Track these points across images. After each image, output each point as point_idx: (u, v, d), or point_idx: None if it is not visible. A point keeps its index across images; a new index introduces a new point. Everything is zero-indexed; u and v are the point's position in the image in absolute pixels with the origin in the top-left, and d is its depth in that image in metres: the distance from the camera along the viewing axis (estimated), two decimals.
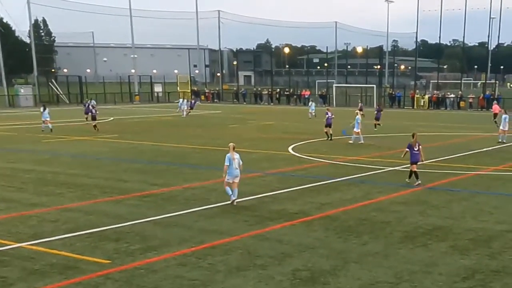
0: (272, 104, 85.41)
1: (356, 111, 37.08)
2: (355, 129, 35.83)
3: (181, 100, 65.32)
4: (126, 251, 13.96)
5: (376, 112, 48.04)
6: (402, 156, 23.55)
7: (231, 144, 19.35)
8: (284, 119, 55.48)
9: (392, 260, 13.48)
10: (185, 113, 59.97)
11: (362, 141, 35.49)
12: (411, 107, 76.41)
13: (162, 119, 56.78)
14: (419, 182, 22.51)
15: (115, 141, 36.73)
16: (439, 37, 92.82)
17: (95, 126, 43.28)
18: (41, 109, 44.64)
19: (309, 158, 29.24)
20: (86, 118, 51.46)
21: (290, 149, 32.79)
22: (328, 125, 37.58)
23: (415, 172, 22.68)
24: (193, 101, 70.34)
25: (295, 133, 41.68)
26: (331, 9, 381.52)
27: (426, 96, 76.39)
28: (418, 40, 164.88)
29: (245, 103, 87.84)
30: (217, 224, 16.58)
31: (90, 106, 48.36)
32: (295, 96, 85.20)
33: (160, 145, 34.41)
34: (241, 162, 19.24)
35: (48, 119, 43.38)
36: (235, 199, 19.01)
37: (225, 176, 18.86)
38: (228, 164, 18.79)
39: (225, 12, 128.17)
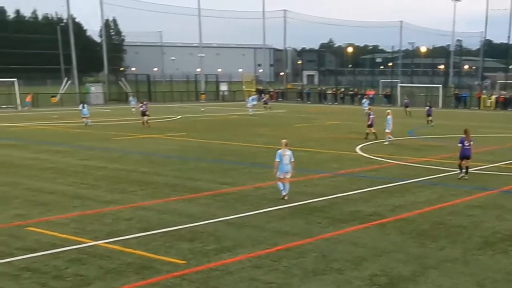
0: (336, 103, 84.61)
1: (388, 111, 35.90)
2: (386, 130, 34.86)
3: (250, 98, 65.02)
4: (201, 252, 13.73)
5: (427, 109, 48.96)
6: (459, 153, 23.55)
7: (283, 141, 19.59)
8: (349, 119, 54.73)
9: (473, 267, 12.88)
10: (251, 110, 59.81)
11: (387, 142, 34.53)
12: (477, 108, 74.54)
13: (228, 117, 56.72)
14: (464, 176, 23.30)
15: (183, 139, 36.75)
16: (508, 36, 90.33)
17: (144, 122, 44.47)
18: (80, 106, 46.11)
19: (378, 159, 28.62)
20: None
21: (357, 149, 32.21)
22: (371, 125, 37.05)
23: (466, 167, 23.41)
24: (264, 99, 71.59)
25: (362, 133, 40.88)
26: (395, 8, 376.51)
27: (493, 97, 74.40)
28: (481, 39, 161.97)
29: (309, 102, 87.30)
30: (289, 225, 16.23)
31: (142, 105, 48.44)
32: (359, 96, 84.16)
33: (227, 143, 34.26)
34: (292, 159, 19.34)
35: (87, 115, 45.67)
36: (286, 194, 19.29)
37: (276, 171, 19.16)
38: (278, 160, 19.07)
39: (290, 12, 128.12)
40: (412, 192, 20.92)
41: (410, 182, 22.76)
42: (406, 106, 46.56)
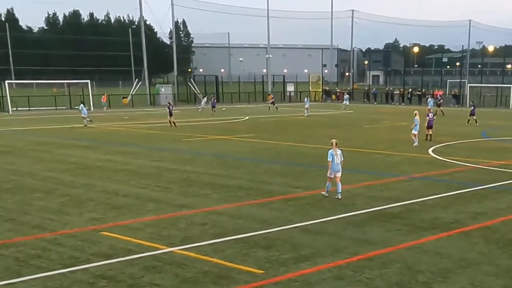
0: (403, 104, 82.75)
1: (415, 111, 34.31)
2: (413, 131, 33.28)
3: (306, 99, 64.07)
4: (278, 260, 13.06)
5: (472, 108, 48.79)
6: None
7: (333, 141, 19.86)
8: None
9: None
10: (306, 112, 58.90)
11: (416, 144, 32.95)
12: None
13: (296, 118, 55.97)
14: None
15: (252, 141, 36.21)
16: None
17: (171, 122, 44.92)
18: (80, 106, 47.28)
19: (453, 162, 27.43)
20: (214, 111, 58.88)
21: (430, 151, 31.04)
22: (429, 127, 35.70)
23: None
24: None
25: (432, 134, 39.64)
26: (463, 9, 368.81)
27: None
28: None
29: (375, 103, 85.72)
30: (367, 232, 15.41)
31: (168, 103, 48.41)
32: (427, 96, 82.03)
33: (297, 145, 33.55)
34: (342, 158, 19.62)
35: (86, 115, 46.32)
36: (339, 192, 19.35)
37: (329, 171, 19.24)
38: (330, 159, 19.24)
39: (357, 11, 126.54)
40: (492, 198, 19.78)
41: (488, 187, 21.58)
42: (473, 114, 44.86)
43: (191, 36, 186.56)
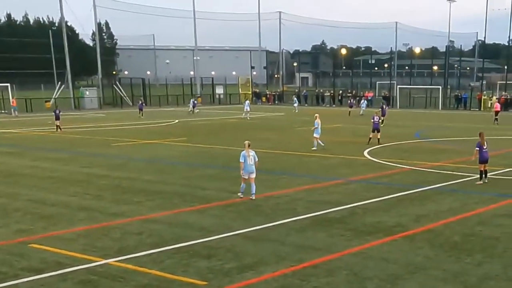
0: (334, 106, 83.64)
1: (316, 114, 34.58)
2: (314, 134, 33.45)
3: (246, 101, 64.07)
4: (221, 270, 12.68)
5: (380, 109, 48.71)
6: (473, 158, 23.12)
7: (246, 142, 20.03)
8: (350, 122, 53.90)
9: None
10: (247, 115, 58.67)
11: (315, 148, 32.98)
12: (477, 109, 73.62)
13: (227, 121, 55.65)
14: (485, 181, 22.66)
15: (184, 145, 35.67)
16: (509, 37, 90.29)
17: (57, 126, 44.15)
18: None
19: (389, 164, 27.62)
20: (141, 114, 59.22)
21: (366, 153, 31.22)
22: (375, 129, 35.74)
23: (485, 171, 22.75)
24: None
25: (366, 136, 39.92)
26: (388, 10, 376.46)
27: (494, 98, 73.45)
28: (476, 40, 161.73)
29: (306, 105, 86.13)
30: (311, 238, 15.19)
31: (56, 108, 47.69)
32: (358, 98, 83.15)
33: (230, 149, 33.15)
34: (256, 159, 19.94)
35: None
36: (253, 193, 19.72)
37: (242, 172, 19.59)
38: (242, 161, 19.55)
39: (285, 13, 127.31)
40: (432, 200, 19.91)
41: (428, 189, 21.74)
42: (383, 114, 47.52)
43: (115, 37, 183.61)
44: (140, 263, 13.11)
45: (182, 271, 12.64)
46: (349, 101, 71.06)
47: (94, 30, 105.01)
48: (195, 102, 72.62)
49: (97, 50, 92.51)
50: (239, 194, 20.01)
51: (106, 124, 50.94)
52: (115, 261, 13.28)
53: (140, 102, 63.88)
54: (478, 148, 22.77)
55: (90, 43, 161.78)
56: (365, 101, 68.31)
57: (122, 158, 29.94)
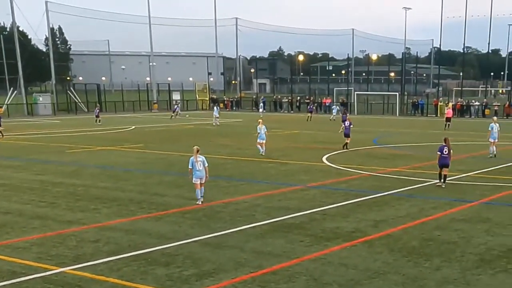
0: (292, 112, 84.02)
1: (259, 120, 35.11)
2: (258, 140, 33.73)
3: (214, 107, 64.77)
4: (180, 278, 12.63)
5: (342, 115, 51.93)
6: (438, 161, 23.70)
7: (195, 148, 20.39)
8: (308, 128, 54.13)
9: None
10: (216, 120, 58.72)
11: (262, 152, 33.20)
12: (434, 115, 74.70)
13: (184, 127, 55.45)
14: (442, 184, 23.45)
15: (141, 151, 35.46)
16: (464, 44, 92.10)
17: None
18: None
19: (348, 170, 27.84)
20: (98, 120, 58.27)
21: (324, 159, 31.43)
22: (346, 135, 36.21)
23: (444, 176, 23.56)
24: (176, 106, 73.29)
25: (325, 142, 40.39)
26: (346, 17, 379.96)
27: (450, 104, 74.60)
28: (432, 47, 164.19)
29: (264, 111, 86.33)
30: (270, 245, 15.22)
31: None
32: (316, 104, 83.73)
33: (188, 155, 32.73)
34: (206, 164, 20.19)
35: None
36: (201, 198, 20.09)
37: (191, 177, 19.98)
38: (191, 167, 19.97)
39: (241, 19, 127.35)
40: (390, 205, 20.14)
41: (386, 195, 21.97)
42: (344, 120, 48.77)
43: (69, 43, 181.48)
44: (97, 271, 12.99)
45: (140, 278, 12.56)
46: (308, 107, 71.46)
47: (47, 35, 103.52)
48: (178, 107, 73.48)
49: (51, 55, 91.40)
50: (197, 202, 20.03)
51: (60, 130, 50.35)
52: (71, 269, 13.13)
53: (96, 108, 63.26)
54: (439, 153, 23.46)
55: (43, 48, 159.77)
56: (336, 107, 68.94)
57: (77, 164, 29.61)
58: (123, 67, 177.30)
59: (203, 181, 20.11)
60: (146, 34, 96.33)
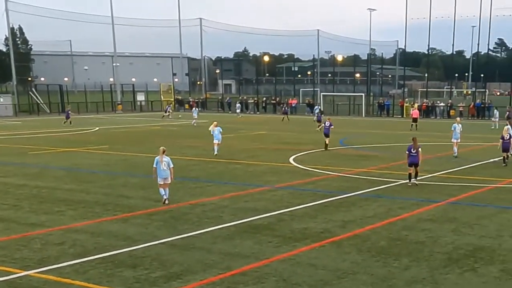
0: (258, 113, 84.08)
1: (214, 121, 35.48)
2: (215, 141, 34.04)
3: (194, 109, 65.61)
4: (148, 280, 12.59)
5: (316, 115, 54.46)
6: (407, 160, 24.30)
7: (161, 148, 20.59)
8: (275, 129, 54.27)
9: None
10: (194, 121, 58.83)
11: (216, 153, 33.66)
12: (400, 116, 75.38)
13: (150, 129, 55.20)
14: (413, 182, 24.13)
15: (106, 152, 35.21)
16: (428, 45, 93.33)
17: None
18: None
19: (315, 171, 27.98)
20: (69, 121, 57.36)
21: (291, 160, 31.54)
22: (325, 134, 36.68)
23: (415, 173, 24.24)
24: None
25: (292, 143, 40.48)
26: (311, 18, 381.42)
27: (416, 105, 75.35)
28: (397, 48, 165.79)
29: (230, 112, 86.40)
30: (238, 246, 15.24)
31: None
32: (281, 105, 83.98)
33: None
34: (171, 165, 20.38)
35: None
36: (166, 198, 20.27)
37: (155, 177, 20.16)
38: (155, 166, 20.18)
39: (206, 20, 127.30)
40: (358, 206, 20.28)
41: (353, 195, 22.13)
42: (319, 121, 51.11)
43: (30, 43, 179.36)
44: (63, 274, 12.88)
45: (107, 281, 12.49)
46: (283, 108, 71.81)
47: (7, 35, 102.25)
48: (169, 107, 74.16)
49: (11, 55, 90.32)
50: (165, 201, 20.19)
51: (22, 132, 49.75)
52: (36, 272, 13.01)
53: (67, 110, 62.39)
54: (408, 152, 24.03)
55: (3, 48, 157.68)
56: (318, 107, 69.14)
57: (40, 166, 29.31)
58: (86, 67, 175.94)
59: (167, 181, 20.25)
60: (109, 34, 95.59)
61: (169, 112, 70.79)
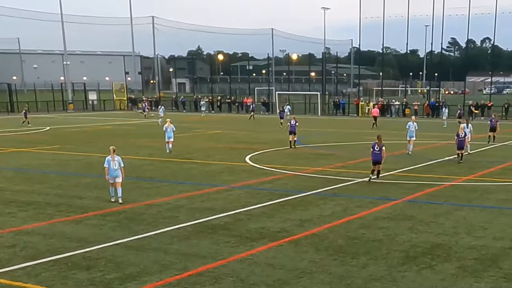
0: (213, 112, 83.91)
1: (168, 119, 35.91)
2: (166, 139, 34.50)
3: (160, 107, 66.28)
4: (103, 282, 12.46)
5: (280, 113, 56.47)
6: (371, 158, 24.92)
7: (111, 147, 20.75)
8: (230, 128, 54.20)
9: (403, 287, 12.42)
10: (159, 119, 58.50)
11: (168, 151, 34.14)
12: (355, 115, 76.09)
13: (102, 128, 54.66)
14: (373, 178, 24.70)
15: (57, 152, 34.73)
16: (383, 44, 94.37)
17: None
18: None
19: (272, 170, 28.03)
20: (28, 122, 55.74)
21: (248, 159, 31.57)
22: (291, 132, 37.16)
23: (378, 171, 24.83)
24: None
25: (247, 142, 40.53)
26: (266, 18, 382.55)
27: (371, 104, 76.22)
28: (351, 47, 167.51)
29: (184, 111, 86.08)
30: (195, 246, 15.19)
31: None
32: (237, 104, 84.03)
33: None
34: (122, 164, 20.55)
35: None
36: (120, 197, 20.32)
37: (107, 177, 20.29)
38: (107, 166, 20.32)
39: (158, 18, 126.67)
40: (315, 205, 20.38)
41: (310, 194, 22.23)
42: (281, 118, 54.07)
43: None
44: (14, 277, 12.68)
45: (61, 283, 12.34)
46: (251, 106, 72.55)
47: None
48: (145, 104, 74.71)
49: None
50: (111, 199, 20.48)
51: None
52: None
53: (24, 109, 61.20)
54: (371, 149, 24.73)
55: None
56: (288, 106, 69.11)
57: None
58: (35, 66, 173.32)
59: (119, 180, 20.33)
60: (59, 32, 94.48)
61: (147, 111, 71.80)
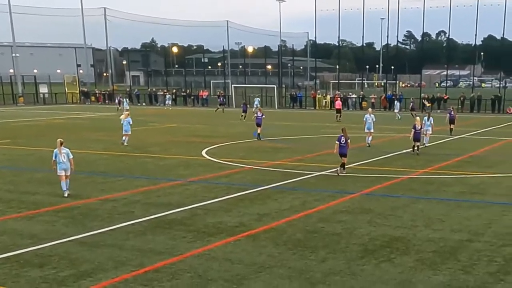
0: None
1: (126, 112, 36.34)
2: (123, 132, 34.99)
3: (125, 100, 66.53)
4: (56, 279, 12.27)
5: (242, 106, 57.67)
6: (335, 151, 25.29)
7: (58, 140, 20.63)
8: (186, 121, 53.95)
9: (362, 280, 12.45)
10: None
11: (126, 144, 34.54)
12: (313, 108, 76.45)
13: (54, 122, 53.92)
14: (342, 172, 24.95)
15: (8, 147, 34.14)
16: (339, 37, 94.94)
17: None
18: None
19: (228, 164, 27.98)
20: None
21: (204, 153, 31.46)
22: (257, 124, 38.16)
23: (343, 163, 25.17)
24: None
25: (204, 136, 40.40)
26: (218, 9, 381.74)
27: (328, 97, 76.66)
28: (307, 40, 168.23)
29: (139, 104, 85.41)
30: (151, 242, 15.06)
31: None
32: (192, 97, 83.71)
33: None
34: (70, 156, 20.58)
35: None
36: (67, 189, 20.45)
37: (55, 169, 20.36)
38: (55, 158, 20.32)
39: (110, 9, 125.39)
40: (273, 199, 20.40)
41: (268, 188, 22.26)
42: (245, 111, 54.50)
43: None
44: None
45: (13, 282, 12.12)
46: (220, 99, 72.62)
47: None
48: (121, 99, 73.09)
49: None
50: (64, 195, 20.29)
51: None
52: None
53: None
54: (338, 142, 24.99)
55: None
56: (258, 99, 69.15)
57: None
58: None
59: (68, 173, 20.44)
60: (7, 23, 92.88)
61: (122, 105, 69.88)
